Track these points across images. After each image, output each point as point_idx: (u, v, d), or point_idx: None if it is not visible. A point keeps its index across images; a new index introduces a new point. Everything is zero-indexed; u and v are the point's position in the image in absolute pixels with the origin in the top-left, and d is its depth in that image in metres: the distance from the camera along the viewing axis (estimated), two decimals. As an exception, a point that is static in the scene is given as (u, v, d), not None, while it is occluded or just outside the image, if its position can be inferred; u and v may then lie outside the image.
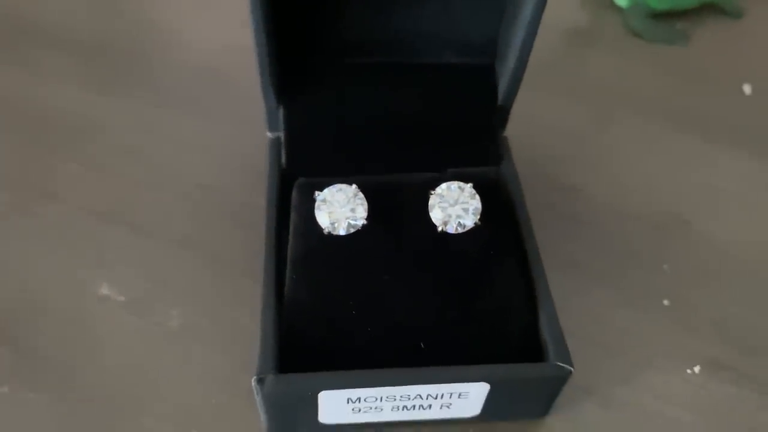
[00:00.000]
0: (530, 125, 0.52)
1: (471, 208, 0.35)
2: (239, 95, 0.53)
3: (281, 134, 0.42)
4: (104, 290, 0.43)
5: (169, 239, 0.45)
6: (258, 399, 0.34)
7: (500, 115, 0.43)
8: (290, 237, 0.37)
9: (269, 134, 0.43)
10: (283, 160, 0.41)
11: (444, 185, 0.36)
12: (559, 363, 0.34)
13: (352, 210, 0.35)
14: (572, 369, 0.34)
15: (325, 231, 0.36)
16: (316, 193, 0.36)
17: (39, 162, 0.49)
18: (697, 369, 0.40)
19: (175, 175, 0.49)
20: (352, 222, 0.35)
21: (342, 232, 0.35)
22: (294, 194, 0.38)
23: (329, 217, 0.35)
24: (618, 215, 0.48)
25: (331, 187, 0.36)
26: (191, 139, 0.51)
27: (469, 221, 0.35)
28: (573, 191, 0.49)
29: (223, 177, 0.48)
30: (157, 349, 0.40)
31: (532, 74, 0.56)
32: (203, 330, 0.41)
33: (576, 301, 0.43)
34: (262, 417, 0.35)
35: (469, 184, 0.36)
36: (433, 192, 0.36)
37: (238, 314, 0.42)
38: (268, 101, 0.42)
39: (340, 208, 0.35)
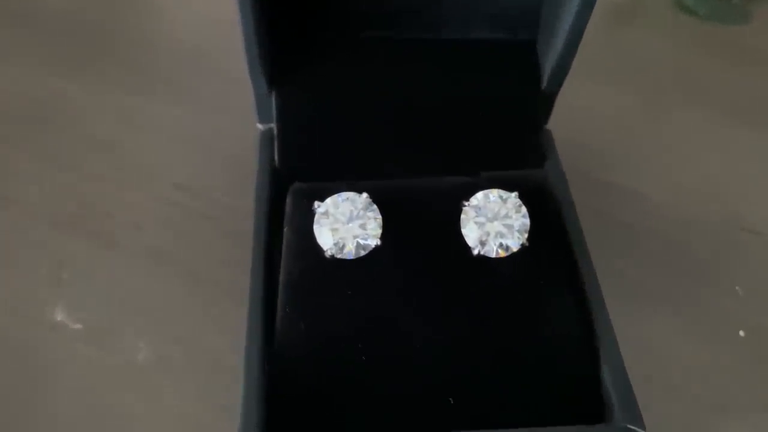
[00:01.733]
0: (569, 116, 0.44)
1: (517, 225, 0.28)
2: (229, 79, 0.45)
3: (273, 126, 0.34)
4: (58, 315, 0.36)
5: (140, 253, 0.38)
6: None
7: (544, 104, 0.35)
8: (283, 257, 0.29)
9: (259, 126, 0.36)
10: (276, 157, 0.33)
11: (480, 194, 0.28)
12: (629, 426, 0.26)
13: (362, 226, 0.28)
14: (645, 432, 0.26)
15: (328, 253, 0.28)
16: (316, 204, 0.29)
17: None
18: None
19: (150, 174, 0.41)
20: (362, 242, 0.28)
21: (349, 255, 0.28)
22: (288, 203, 0.31)
23: (333, 235, 0.28)
24: (676, 223, 0.41)
25: (335, 195, 0.29)
26: (170, 131, 0.44)
27: (514, 242, 0.28)
28: (622, 194, 0.42)
29: (207, 177, 0.41)
30: (120, 389, 0.34)
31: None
32: (176, 365, 0.34)
33: (631, 331, 0.35)
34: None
35: (514, 194, 0.28)
36: (466, 203, 0.28)
37: (219, 345, 0.35)
38: (257, 86, 0.34)
39: (346, 224, 0.28)
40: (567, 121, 0.44)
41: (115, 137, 0.43)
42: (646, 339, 0.36)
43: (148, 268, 0.37)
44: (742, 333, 0.36)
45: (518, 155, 0.33)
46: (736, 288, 0.38)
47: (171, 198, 0.40)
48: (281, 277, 0.29)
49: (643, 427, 0.26)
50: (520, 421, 0.26)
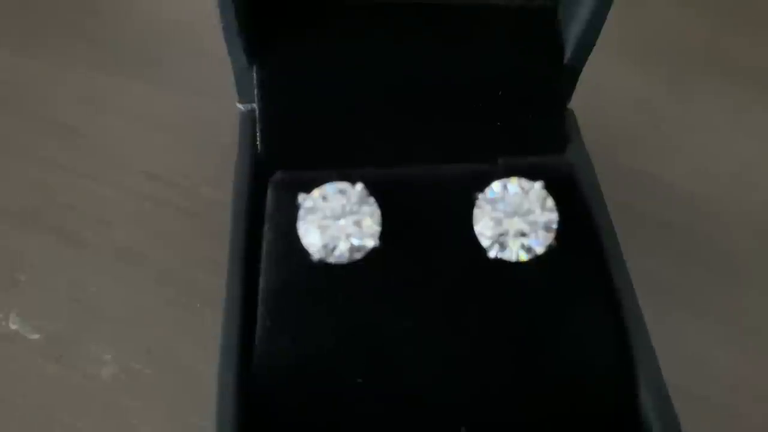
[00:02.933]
0: (589, 96, 0.40)
1: (542, 222, 0.23)
2: (211, 56, 0.40)
3: (255, 106, 0.29)
4: (13, 324, 0.32)
5: (107, 252, 0.34)
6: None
7: (566, 80, 0.30)
8: (263, 262, 0.25)
9: (240, 106, 0.31)
10: (258, 142, 0.29)
11: (497, 185, 0.24)
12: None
13: (356, 223, 0.23)
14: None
15: (315, 257, 0.23)
16: (301, 197, 0.24)
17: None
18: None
19: (119, 162, 0.37)
20: (357, 242, 0.23)
21: (341, 259, 0.23)
22: (269, 197, 0.26)
23: (321, 234, 0.23)
24: (710, 215, 0.37)
25: (323, 186, 0.24)
26: (142, 114, 0.39)
27: (539, 243, 0.23)
28: (649, 183, 0.38)
29: (184, 166, 0.37)
30: (82, 409, 0.29)
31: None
32: (145, 383, 0.30)
33: (665, 338, 0.31)
34: None
35: (539, 183, 0.24)
36: (480, 194, 0.24)
37: (194, 358, 0.31)
38: (236, 57, 0.29)
39: (337, 221, 0.23)
40: (587, 101, 0.40)
41: (78, 121, 0.38)
42: (683, 349, 0.31)
43: (117, 269, 0.33)
44: (791, 341, 0.32)
45: (539, 139, 0.28)
46: (782, 289, 0.33)
47: (142, 190, 0.36)
48: (261, 285, 0.25)
49: (688, 457, 0.22)
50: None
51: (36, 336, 0.31)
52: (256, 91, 0.30)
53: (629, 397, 0.23)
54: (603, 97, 0.41)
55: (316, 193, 0.24)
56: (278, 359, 0.23)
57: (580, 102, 0.36)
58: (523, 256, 0.23)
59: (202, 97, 0.39)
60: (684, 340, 0.32)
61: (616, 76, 0.42)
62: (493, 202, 0.23)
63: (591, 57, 0.42)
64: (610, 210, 0.32)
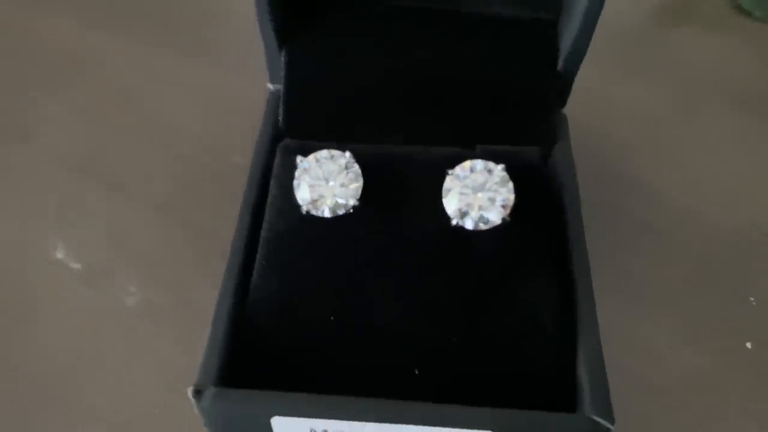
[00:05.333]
0: (599, 107, 0.43)
1: (499, 199, 0.26)
2: (255, 39, 0.45)
3: (281, 87, 0.34)
4: (59, 254, 0.36)
5: (146, 202, 0.39)
6: (198, 414, 0.26)
7: (559, 85, 0.33)
8: (266, 212, 0.29)
9: (270, 86, 0.35)
10: (281, 118, 0.33)
11: (467, 164, 0.27)
12: (594, 417, 0.25)
13: (342, 185, 0.27)
14: (611, 427, 0.25)
15: (303, 209, 0.27)
16: (299, 159, 0.28)
17: (14, 98, 0.43)
18: (784, 438, 0.31)
19: (168, 127, 0.42)
20: (340, 201, 0.27)
21: (326, 213, 0.27)
22: (277, 159, 0.30)
23: (311, 191, 0.27)
24: (696, 226, 0.39)
25: (318, 152, 0.28)
26: (193, 88, 0.44)
27: (496, 216, 0.27)
28: (642, 191, 0.40)
29: (221, 134, 0.42)
30: (106, 330, 0.34)
31: (611, 49, 0.48)
32: (163, 312, 0.35)
33: (629, 331, 0.34)
34: (208, 433, 0.28)
35: (501, 166, 0.27)
36: (450, 172, 0.27)
37: (207, 298, 0.34)
38: (268, 44, 0.34)
39: (326, 182, 0.27)
40: (595, 111, 0.43)
41: (136, 89, 0.44)
42: (647, 341, 0.34)
43: (151, 216, 0.38)
44: (749, 345, 0.34)
45: (525, 134, 0.31)
46: (750, 299, 0.35)
47: (183, 152, 0.40)
48: (262, 232, 0.29)
49: (611, 421, 0.25)
50: (485, 401, 0.25)
51: (77, 265, 0.36)
52: (282, 73, 0.34)
53: (565, 360, 0.26)
54: (616, 111, 0.44)
55: (311, 156, 0.28)
56: (268, 294, 0.27)
57: (593, 114, 0.40)
58: (482, 227, 0.27)
59: (244, 77, 0.43)
60: (650, 332, 0.34)
61: (632, 96, 0.45)
62: (460, 178, 0.27)
63: (604, 72, 0.45)
64: (600, 210, 0.35)
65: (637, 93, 0.45)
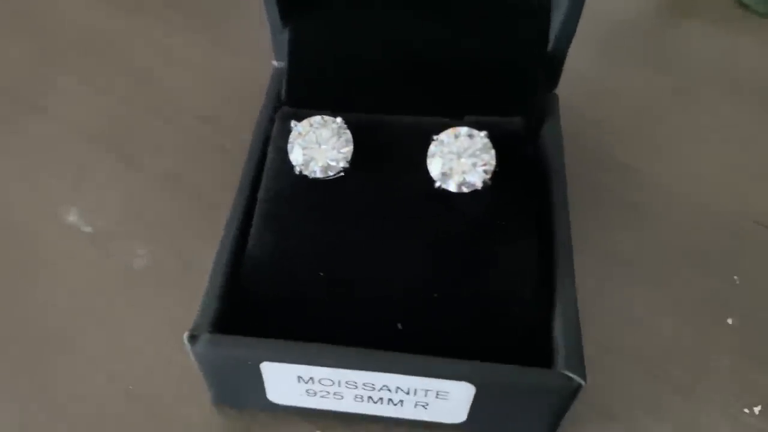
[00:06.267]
0: (597, 94, 0.44)
1: (481, 163, 0.28)
2: (262, 20, 0.47)
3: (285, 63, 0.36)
4: (72, 217, 0.38)
5: (156, 171, 0.40)
6: (193, 359, 0.28)
7: (549, 65, 0.35)
8: (264, 175, 0.31)
9: (275, 63, 0.37)
10: (283, 91, 0.35)
11: (451, 131, 0.29)
12: (566, 372, 0.26)
13: (334, 149, 0.29)
14: (583, 382, 0.26)
15: (296, 170, 0.29)
16: (293, 123, 0.30)
17: (34, 72, 0.45)
18: (757, 410, 0.32)
19: (178, 103, 0.44)
20: (331, 163, 0.29)
21: (318, 174, 0.29)
22: (275, 125, 0.32)
23: (303, 154, 0.29)
24: (685, 208, 0.40)
25: (312, 118, 0.30)
26: (203, 65, 0.46)
27: (477, 179, 0.28)
28: (633, 173, 0.41)
29: (229, 110, 0.43)
30: (113, 288, 0.35)
31: (613, 37, 0.49)
32: (169, 275, 0.36)
33: (615, 304, 0.35)
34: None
35: (483, 133, 0.29)
36: (435, 138, 0.29)
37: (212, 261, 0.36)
38: (272, 21, 0.35)
39: (318, 145, 0.29)
40: (592, 95, 0.44)
41: (153, 68, 0.45)
42: (630, 313, 0.35)
43: (160, 186, 0.39)
44: (730, 321, 0.35)
45: (512, 110, 0.33)
46: (734, 277, 0.36)
47: (192, 127, 0.42)
48: (259, 193, 0.31)
49: (583, 377, 0.26)
50: (464, 355, 0.27)
51: (88, 229, 0.37)
52: (286, 49, 0.36)
53: (542, 319, 0.28)
54: (608, 97, 0.44)
55: (305, 122, 0.30)
56: (263, 249, 0.29)
57: (581, 95, 0.41)
58: (463, 190, 0.28)
59: (252, 55, 0.44)
60: (634, 304, 0.35)
61: (623, 79, 0.46)
62: (445, 143, 0.28)
63: (604, 59, 0.46)
64: (593, 191, 0.36)
65: (635, 82, 0.46)
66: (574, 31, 0.33)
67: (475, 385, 0.26)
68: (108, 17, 0.49)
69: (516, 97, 0.33)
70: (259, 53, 0.45)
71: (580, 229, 0.32)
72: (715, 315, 0.35)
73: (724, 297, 0.36)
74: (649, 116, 0.44)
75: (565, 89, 0.37)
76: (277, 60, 0.37)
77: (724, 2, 0.53)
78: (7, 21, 0.49)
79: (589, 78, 0.45)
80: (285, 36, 0.36)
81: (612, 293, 0.35)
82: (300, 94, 0.35)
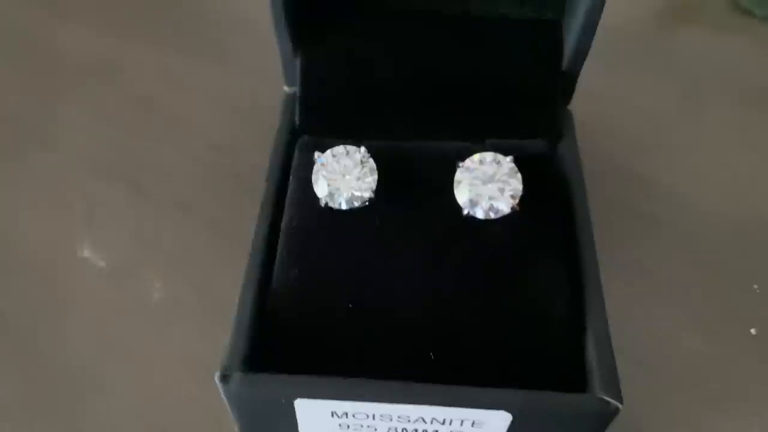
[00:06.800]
0: (606, 105, 0.45)
1: (508, 189, 0.28)
2: (270, 47, 0.47)
3: (297, 89, 0.35)
4: (85, 252, 0.38)
5: (168, 201, 0.40)
6: (224, 399, 0.27)
7: (564, 83, 0.35)
8: (286, 205, 0.30)
9: (286, 89, 0.37)
10: (296, 118, 0.35)
11: (476, 157, 0.29)
12: (603, 396, 0.26)
13: (358, 179, 0.28)
14: (620, 405, 0.26)
15: (322, 202, 0.29)
16: (316, 155, 0.30)
17: (40, 103, 0.45)
18: (788, 419, 0.32)
19: (187, 130, 0.43)
20: (356, 193, 0.28)
21: (342, 206, 0.29)
22: (295, 155, 0.32)
23: (328, 185, 0.28)
24: (702, 218, 0.40)
25: (335, 148, 0.29)
26: (211, 92, 0.46)
27: (504, 205, 0.28)
28: (649, 186, 0.41)
29: (240, 136, 0.43)
30: (131, 324, 0.35)
31: (617, 48, 0.49)
32: (187, 307, 0.36)
33: (638, 317, 0.35)
34: (234, 421, 0.29)
35: (509, 158, 0.29)
36: (461, 164, 0.29)
37: (229, 293, 0.35)
38: (283, 48, 0.35)
39: (342, 176, 0.29)
40: (602, 109, 0.44)
41: (158, 95, 0.45)
42: (654, 326, 0.35)
43: (172, 215, 0.39)
44: (753, 331, 0.35)
45: (531, 130, 0.33)
46: (755, 286, 0.36)
47: (202, 154, 0.42)
48: (282, 224, 0.30)
49: (620, 400, 0.26)
50: (496, 383, 0.26)
51: (102, 264, 0.37)
52: (298, 76, 0.36)
53: (575, 341, 0.27)
54: (621, 109, 0.45)
55: (329, 152, 0.29)
56: (289, 283, 0.29)
57: (592, 110, 0.40)
58: (491, 216, 0.28)
59: (260, 81, 0.44)
60: (656, 318, 0.35)
61: (630, 90, 0.46)
62: (471, 170, 0.28)
63: (611, 71, 0.47)
64: (608, 205, 0.36)
65: (641, 92, 0.46)
66: (590, 47, 0.33)
67: (512, 414, 0.26)
68: (108, 45, 0.48)
69: (535, 117, 0.33)
70: (267, 78, 0.45)
71: (600, 242, 0.32)
72: (739, 325, 0.35)
73: (745, 307, 0.36)
74: (659, 125, 0.44)
75: (574, 102, 0.37)
76: (288, 85, 0.37)
77: (722, 7, 0.53)
78: (12, 51, 0.48)
79: (596, 90, 0.44)
80: (296, 62, 0.35)
81: (634, 308, 0.35)
82: (315, 121, 0.34)
